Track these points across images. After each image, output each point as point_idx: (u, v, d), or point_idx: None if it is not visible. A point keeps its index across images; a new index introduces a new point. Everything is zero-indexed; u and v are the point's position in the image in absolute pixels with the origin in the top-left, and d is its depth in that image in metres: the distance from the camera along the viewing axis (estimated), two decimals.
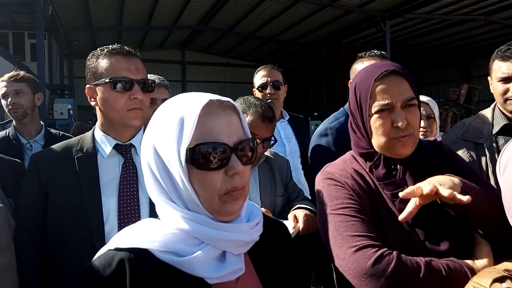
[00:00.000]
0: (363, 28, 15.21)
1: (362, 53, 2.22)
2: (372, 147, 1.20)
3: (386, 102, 1.12)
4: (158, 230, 0.78)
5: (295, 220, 1.70)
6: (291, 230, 1.65)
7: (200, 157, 0.75)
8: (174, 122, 0.77)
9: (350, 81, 2.07)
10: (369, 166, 1.21)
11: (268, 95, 2.72)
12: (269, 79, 2.73)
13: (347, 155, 1.32)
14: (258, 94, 2.79)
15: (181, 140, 0.75)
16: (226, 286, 0.79)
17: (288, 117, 2.88)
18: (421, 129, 2.21)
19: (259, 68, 2.85)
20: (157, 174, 0.79)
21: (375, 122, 1.15)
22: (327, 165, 1.30)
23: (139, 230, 0.80)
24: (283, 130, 2.80)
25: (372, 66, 1.24)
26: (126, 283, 0.73)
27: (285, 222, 1.73)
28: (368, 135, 1.19)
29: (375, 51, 2.21)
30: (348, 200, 1.13)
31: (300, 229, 1.65)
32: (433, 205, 1.07)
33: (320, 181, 1.25)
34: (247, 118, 1.72)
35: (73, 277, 0.82)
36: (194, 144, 0.75)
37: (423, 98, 2.30)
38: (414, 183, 1.10)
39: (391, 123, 1.13)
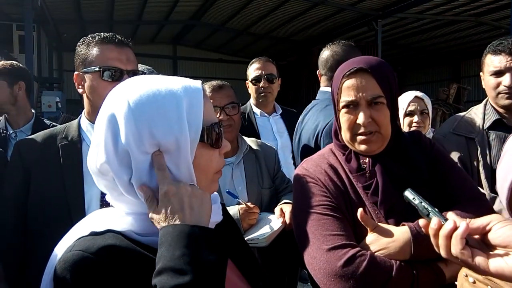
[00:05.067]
0: (355, 26, 15.26)
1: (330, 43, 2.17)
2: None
3: (351, 99, 1.16)
4: (129, 216, 0.77)
5: (281, 214, 1.70)
6: (278, 224, 1.65)
7: (214, 135, 0.80)
8: (175, 104, 0.75)
9: (318, 71, 2.13)
10: (344, 159, 1.24)
11: (262, 88, 2.69)
12: (263, 72, 2.69)
13: (326, 149, 1.34)
14: (251, 87, 2.76)
15: (194, 121, 0.76)
16: None
17: (280, 111, 2.86)
18: (415, 124, 2.23)
19: (253, 61, 2.78)
20: (142, 161, 0.74)
21: (342, 117, 1.20)
22: (304, 160, 1.33)
23: (107, 217, 0.78)
24: (275, 124, 2.78)
25: (347, 61, 1.25)
26: (117, 265, 0.70)
27: (271, 216, 1.73)
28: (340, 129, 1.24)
29: (342, 41, 2.13)
30: (321, 198, 1.15)
31: (287, 223, 1.65)
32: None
33: (296, 176, 1.28)
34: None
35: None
36: (206, 123, 0.78)
37: (418, 93, 2.32)
38: (383, 175, 1.14)
39: (355, 119, 1.16)
